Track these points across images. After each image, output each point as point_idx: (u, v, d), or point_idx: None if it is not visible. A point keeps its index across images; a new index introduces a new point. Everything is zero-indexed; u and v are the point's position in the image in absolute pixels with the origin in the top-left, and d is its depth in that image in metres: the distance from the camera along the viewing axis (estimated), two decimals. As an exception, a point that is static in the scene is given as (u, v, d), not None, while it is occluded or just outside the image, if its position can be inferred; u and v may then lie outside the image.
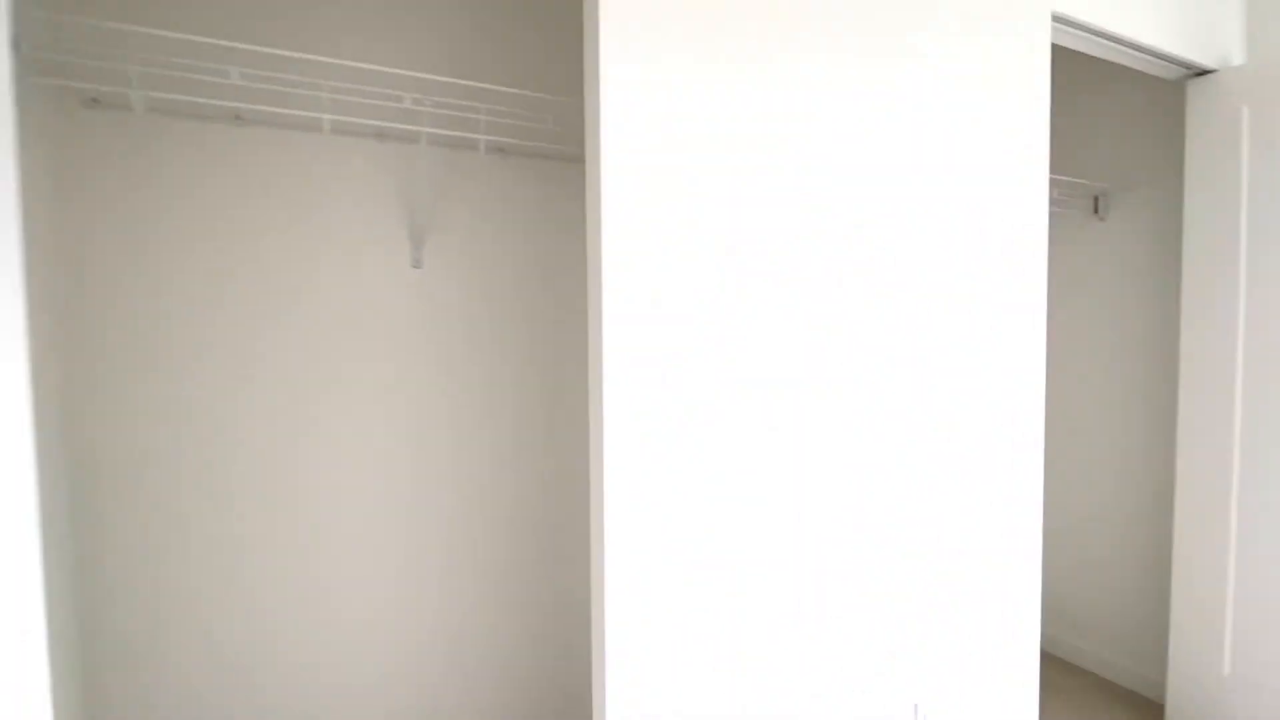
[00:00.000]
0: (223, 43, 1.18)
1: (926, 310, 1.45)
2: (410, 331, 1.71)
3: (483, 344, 1.78)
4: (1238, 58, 1.99)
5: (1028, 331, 1.60)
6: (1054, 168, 2.56)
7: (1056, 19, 1.61)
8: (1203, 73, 1.96)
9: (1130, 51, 1.77)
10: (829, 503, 1.35)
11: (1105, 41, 1.72)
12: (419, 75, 1.34)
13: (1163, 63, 1.87)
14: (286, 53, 1.22)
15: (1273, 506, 1.85)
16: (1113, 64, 2.23)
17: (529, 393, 1.84)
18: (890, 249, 1.39)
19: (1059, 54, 2.38)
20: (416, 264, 1.72)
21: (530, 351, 1.83)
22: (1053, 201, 2.44)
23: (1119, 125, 2.40)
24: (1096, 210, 2.44)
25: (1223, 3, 1.95)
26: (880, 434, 1.40)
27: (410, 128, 1.41)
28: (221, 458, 1.52)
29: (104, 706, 1.42)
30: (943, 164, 1.46)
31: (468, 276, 1.76)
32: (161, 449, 1.46)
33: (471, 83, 1.41)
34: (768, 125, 1.23)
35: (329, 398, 1.62)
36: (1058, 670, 2.53)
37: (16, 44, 1.00)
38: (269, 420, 1.56)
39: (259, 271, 1.53)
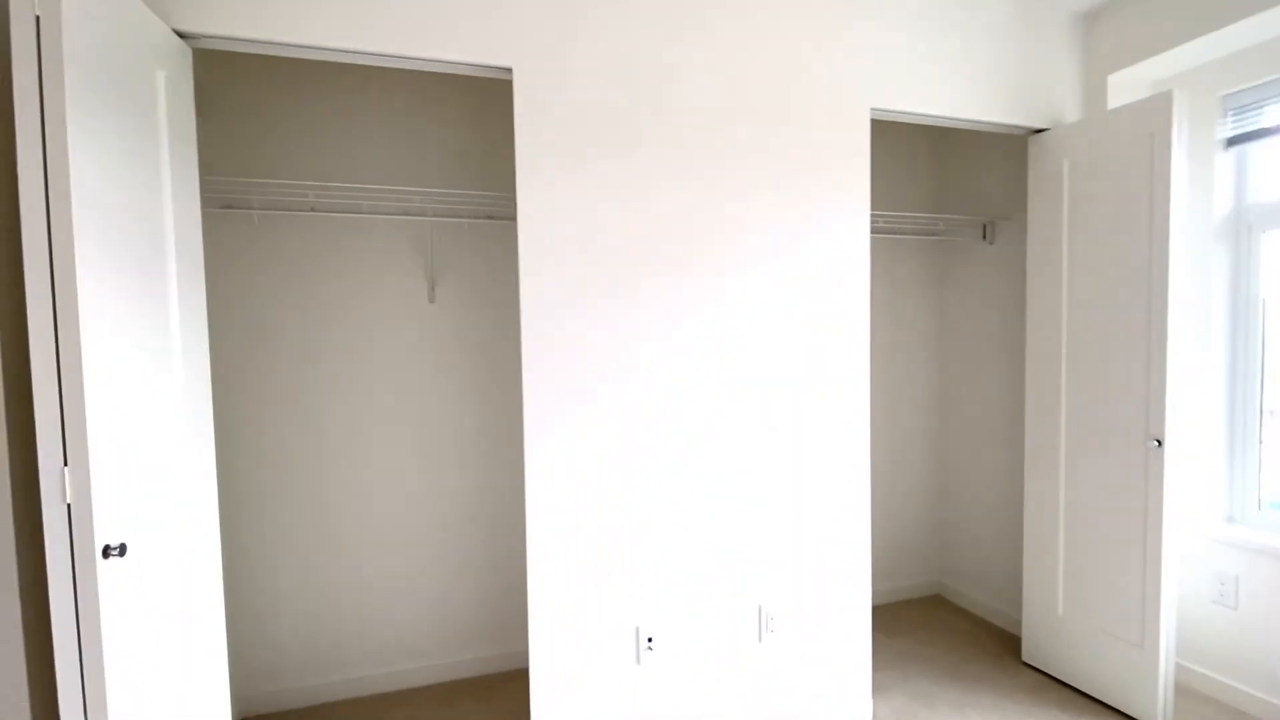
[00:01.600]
0: (300, 182, 1.98)
1: (767, 310, 2.06)
2: (430, 347, 2.47)
3: (476, 355, 2.53)
4: (1073, 117, 2.45)
5: (852, 320, 2.16)
6: (950, 204, 3.05)
7: (876, 110, 2.17)
8: (1040, 130, 2.44)
9: (948, 121, 2.29)
10: (688, 453, 1.99)
11: (925, 117, 2.25)
12: (421, 190, 2.10)
13: (992, 126, 2.37)
14: (339, 184, 2.00)
15: (1088, 482, 2.32)
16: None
17: (505, 390, 2.57)
18: (739, 273, 2.02)
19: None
20: (432, 300, 2.48)
21: (507, 360, 2.56)
22: (943, 231, 2.95)
23: (1005, 165, 2.86)
24: (985, 236, 2.91)
25: (1058, 74, 2.41)
26: (721, 394, 2.03)
27: (419, 218, 2.17)
28: (313, 435, 2.34)
29: (235, 592, 2.27)
30: (785, 219, 2.06)
31: (467, 307, 2.51)
32: (273, 434, 2.29)
33: (453, 190, 2.16)
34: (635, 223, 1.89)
35: (382, 391, 2.41)
36: (950, 612, 3.04)
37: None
38: (347, 410, 2.36)
39: (331, 307, 2.34)
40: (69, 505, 1.18)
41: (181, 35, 1.57)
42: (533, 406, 1.83)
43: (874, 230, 2.89)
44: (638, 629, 1.95)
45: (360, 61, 1.72)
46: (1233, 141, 2.28)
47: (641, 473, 1.95)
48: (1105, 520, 2.25)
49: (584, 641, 1.90)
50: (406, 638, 2.48)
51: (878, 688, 2.44)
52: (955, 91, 2.25)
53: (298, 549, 2.35)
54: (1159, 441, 2.08)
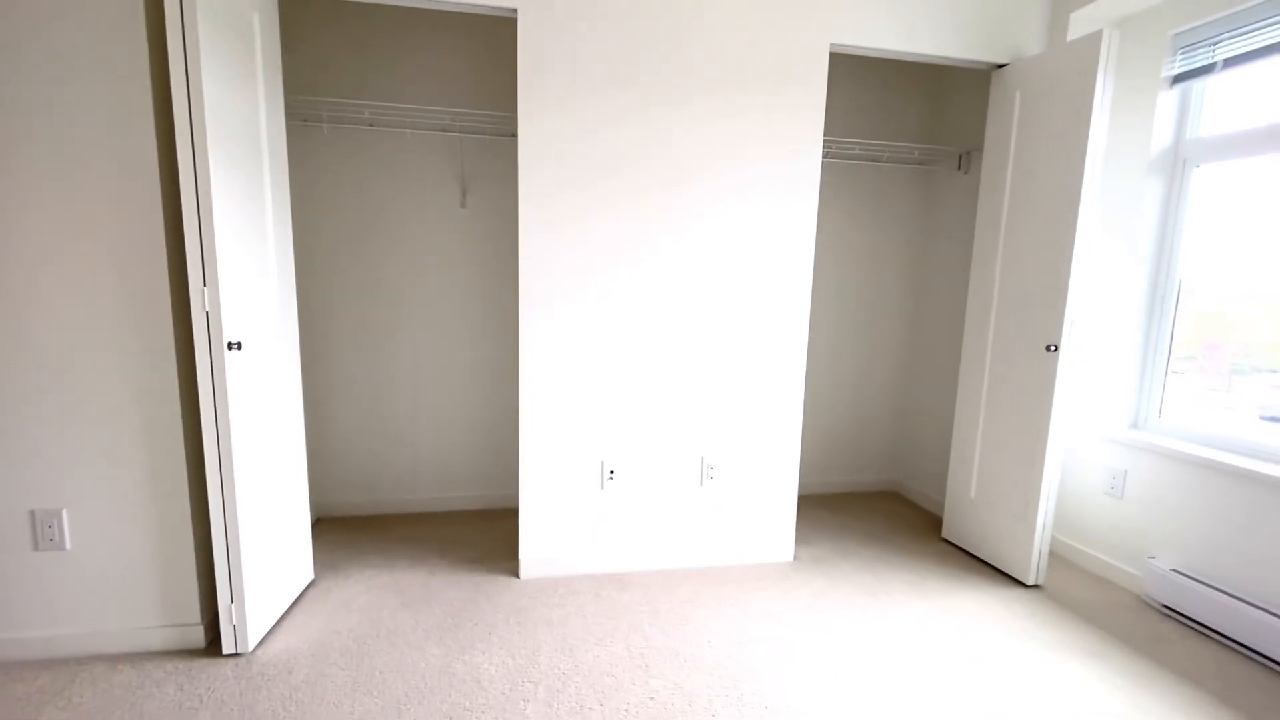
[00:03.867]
0: (358, 101, 2.53)
1: (726, 235, 2.50)
2: (461, 246, 3.05)
3: (500, 249, 3.09)
4: (1036, 52, 2.65)
5: (797, 243, 2.57)
6: (937, 135, 3.28)
7: (835, 46, 2.48)
8: (1002, 65, 2.66)
9: (909, 56, 2.56)
10: (651, 331, 2.50)
11: (886, 52, 2.53)
12: (452, 110, 2.61)
13: (953, 60, 2.61)
14: (386, 103, 2.55)
15: (1004, 385, 2.68)
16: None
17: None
18: (705, 209, 2.45)
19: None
20: (463, 205, 3.03)
21: (527, 257, 3.12)
22: (921, 160, 3.21)
23: (981, 96, 3.07)
24: (960, 166, 3.16)
25: (1024, 10, 2.61)
26: (681, 288, 2.51)
27: (452, 134, 2.70)
28: (373, 315, 2.99)
29: (315, 422, 3.01)
30: (742, 149, 2.45)
31: (492, 212, 3.05)
32: (343, 316, 2.96)
33: (479, 110, 2.65)
34: (618, 152, 2.34)
35: (425, 273, 3.02)
36: (900, 503, 3.50)
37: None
38: (398, 295, 3.00)
39: (385, 203, 2.93)
40: (207, 313, 1.82)
41: (270, -15, 2.10)
42: (527, 297, 2.37)
43: (852, 156, 3.19)
44: (602, 463, 2.54)
45: (394, 2, 2.21)
46: (1178, 79, 2.45)
47: (609, 341, 2.48)
48: (1014, 418, 2.63)
49: (560, 469, 2.51)
50: (442, 471, 3.19)
51: (808, 542, 2.97)
52: (916, 27, 2.51)
53: (362, 392, 3.06)
54: (1055, 347, 2.42)
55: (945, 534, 3.02)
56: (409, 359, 3.08)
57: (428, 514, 3.18)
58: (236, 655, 1.99)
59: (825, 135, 3.17)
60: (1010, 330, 2.63)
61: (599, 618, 2.27)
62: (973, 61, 2.62)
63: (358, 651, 2.04)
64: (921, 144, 3.17)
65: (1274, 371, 2.28)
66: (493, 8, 2.23)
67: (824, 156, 3.11)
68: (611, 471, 2.55)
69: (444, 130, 2.90)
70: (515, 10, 2.23)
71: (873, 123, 3.31)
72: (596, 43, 2.29)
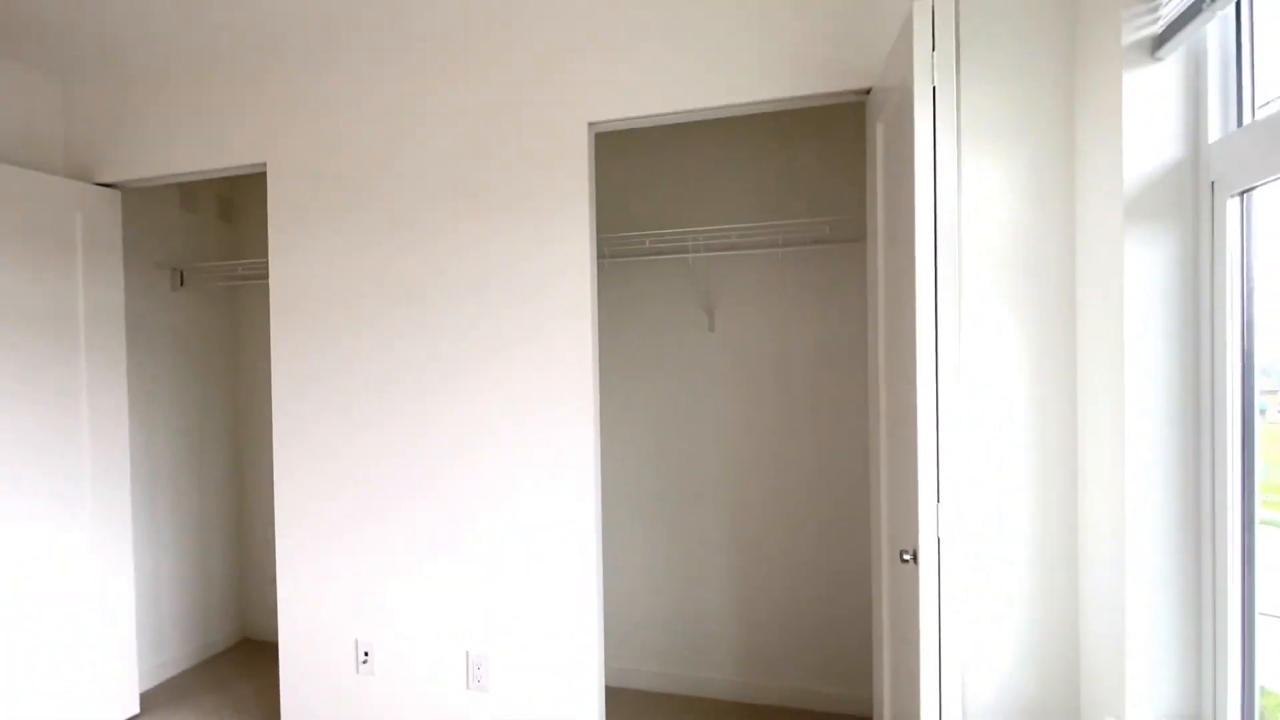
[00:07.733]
0: (229, 262, 2.79)
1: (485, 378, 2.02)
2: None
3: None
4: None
5: (573, 356, 1.93)
6: (817, 209, 2.28)
7: (594, 123, 1.90)
8: (866, 90, 1.73)
9: (711, 113, 1.82)
10: (412, 493, 2.10)
11: (669, 115, 1.85)
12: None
13: (776, 104, 1.79)
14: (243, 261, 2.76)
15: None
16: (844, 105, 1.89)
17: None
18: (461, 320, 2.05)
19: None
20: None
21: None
22: (819, 239, 2.25)
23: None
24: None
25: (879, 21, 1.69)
26: (438, 439, 2.06)
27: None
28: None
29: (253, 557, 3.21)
30: (507, 238, 2.00)
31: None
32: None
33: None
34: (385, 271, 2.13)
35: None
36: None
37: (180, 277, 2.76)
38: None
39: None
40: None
41: (110, 185, 2.47)
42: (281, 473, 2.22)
43: (746, 245, 2.34)
44: (356, 641, 2.15)
45: (198, 178, 2.39)
46: (1165, 38, 1.26)
47: (365, 509, 2.14)
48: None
49: (318, 650, 2.19)
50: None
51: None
52: (710, 68, 1.80)
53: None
54: (911, 555, 1.32)
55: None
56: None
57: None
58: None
59: (723, 223, 2.36)
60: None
61: None
62: (814, 97, 1.76)
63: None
64: (828, 216, 2.18)
65: None
66: (248, 165, 2.27)
67: (705, 250, 2.34)
68: (366, 653, 2.13)
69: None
70: (264, 164, 2.23)
71: (781, 199, 2.43)
72: (341, 187, 2.14)
